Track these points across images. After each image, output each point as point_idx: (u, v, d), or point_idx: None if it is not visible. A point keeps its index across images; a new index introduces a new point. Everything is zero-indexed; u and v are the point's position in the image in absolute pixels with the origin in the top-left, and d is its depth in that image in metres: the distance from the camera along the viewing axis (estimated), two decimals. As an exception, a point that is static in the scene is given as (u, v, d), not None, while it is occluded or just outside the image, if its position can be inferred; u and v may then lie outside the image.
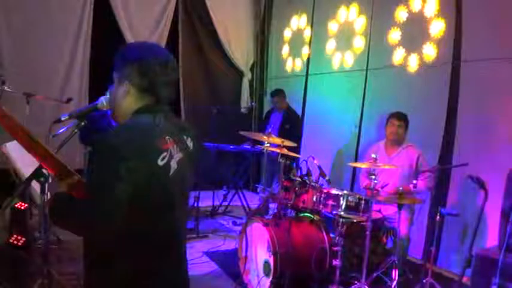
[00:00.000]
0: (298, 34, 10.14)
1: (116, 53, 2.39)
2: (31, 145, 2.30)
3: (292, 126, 8.53)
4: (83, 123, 2.89)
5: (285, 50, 10.68)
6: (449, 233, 6.29)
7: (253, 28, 11.44)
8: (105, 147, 2.10)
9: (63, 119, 2.84)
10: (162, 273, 2.29)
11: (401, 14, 7.28)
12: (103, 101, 2.63)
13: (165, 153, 2.21)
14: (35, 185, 4.22)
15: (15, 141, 4.59)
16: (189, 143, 2.48)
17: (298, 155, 6.59)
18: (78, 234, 2.19)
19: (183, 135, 2.44)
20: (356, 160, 7.97)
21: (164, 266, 2.30)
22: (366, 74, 8.06)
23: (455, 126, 6.42)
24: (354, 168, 8.10)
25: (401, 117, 6.10)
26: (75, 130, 2.92)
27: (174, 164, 2.27)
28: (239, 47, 11.10)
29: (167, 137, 2.26)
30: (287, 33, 10.61)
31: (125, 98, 2.35)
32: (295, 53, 10.25)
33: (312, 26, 9.64)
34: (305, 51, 9.85)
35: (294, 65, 10.27)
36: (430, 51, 6.77)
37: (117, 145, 2.08)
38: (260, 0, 11.36)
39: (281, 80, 10.54)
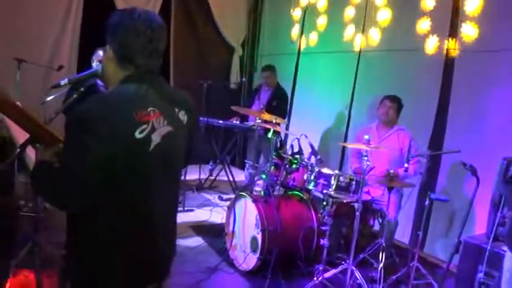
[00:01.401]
0: (290, 13, 10.03)
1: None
2: (20, 118, 2.27)
3: (279, 103, 8.46)
4: (82, 89, 2.84)
5: (280, 27, 10.58)
6: (436, 219, 6.31)
7: (246, 4, 11.33)
8: (74, 118, 2.05)
9: (62, 83, 2.78)
10: (131, 248, 2.22)
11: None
12: (99, 67, 2.56)
13: (144, 126, 2.13)
14: (30, 152, 4.16)
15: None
16: (182, 116, 2.37)
17: (287, 131, 6.53)
18: (52, 203, 2.18)
19: (174, 107, 2.34)
20: (345, 141, 7.96)
21: (137, 241, 2.23)
22: (359, 55, 8.01)
23: (447, 112, 6.42)
24: (343, 149, 8.09)
25: (394, 99, 6.10)
26: (75, 96, 2.86)
27: (156, 138, 2.18)
28: (231, 22, 11.01)
29: (150, 109, 2.17)
30: (282, 10, 10.48)
31: (108, 65, 2.29)
32: (287, 31, 10.14)
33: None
34: (296, 30, 9.78)
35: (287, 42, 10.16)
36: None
37: (86, 117, 2.03)
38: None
39: (273, 57, 10.41)
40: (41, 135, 2.31)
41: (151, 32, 2.20)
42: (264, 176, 5.63)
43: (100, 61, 2.59)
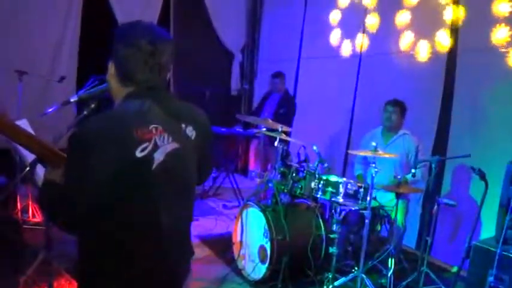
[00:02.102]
0: (292, 17, 9.99)
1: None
2: (24, 140, 2.24)
3: (287, 110, 8.46)
4: (92, 106, 2.82)
5: (280, 32, 10.54)
6: (441, 223, 6.28)
7: (245, 9, 11.29)
8: (74, 138, 2.02)
9: (72, 100, 2.76)
10: (141, 267, 2.16)
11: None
12: None
13: (145, 144, 2.07)
14: (39, 169, 4.16)
15: (21, 121, 4.52)
16: (190, 131, 2.29)
17: (293, 140, 6.51)
18: (54, 223, 2.16)
19: (181, 123, 2.27)
20: (348, 147, 7.95)
21: (145, 260, 2.18)
22: (360, 60, 8.00)
23: (450, 116, 6.40)
24: (346, 155, 8.08)
25: (395, 104, 6.07)
26: (85, 112, 2.84)
27: (159, 156, 2.12)
28: (230, 28, 10.97)
29: (152, 126, 2.11)
30: (282, 15, 10.47)
31: (112, 82, 2.26)
32: (290, 36, 10.10)
33: (305, 8, 9.52)
34: (297, 35, 9.73)
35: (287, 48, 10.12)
36: (442, 39, 6.65)
37: (85, 137, 2.01)
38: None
39: (273, 63, 10.38)
40: (46, 156, 2.26)
41: (151, 47, 2.15)
42: (271, 185, 5.61)
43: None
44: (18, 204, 6.38)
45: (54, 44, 8.66)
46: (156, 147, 2.10)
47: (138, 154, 2.04)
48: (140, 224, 2.12)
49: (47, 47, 8.58)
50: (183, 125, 2.28)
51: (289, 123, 7.88)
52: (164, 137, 2.14)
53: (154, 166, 2.10)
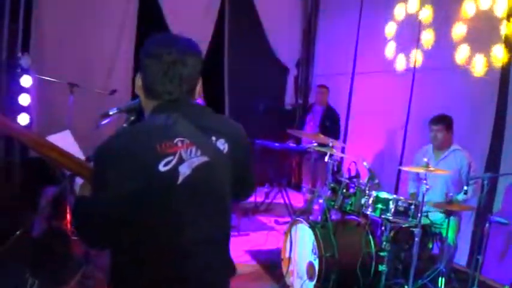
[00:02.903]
0: (347, 31, 9.93)
1: None
2: (56, 156, 2.24)
3: (332, 123, 8.44)
4: (132, 118, 2.82)
5: (335, 46, 10.49)
6: (493, 241, 6.12)
7: (300, 24, 11.29)
8: (98, 152, 2.03)
9: (111, 113, 2.73)
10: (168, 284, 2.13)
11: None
12: None
13: (170, 158, 2.02)
14: (79, 181, 4.20)
15: (58, 134, 4.56)
16: (222, 144, 2.22)
17: (342, 155, 6.46)
18: (80, 239, 2.16)
19: (211, 136, 2.21)
20: (401, 163, 7.84)
21: (172, 277, 2.12)
22: (413, 74, 7.88)
23: (504, 132, 6.26)
24: (398, 172, 7.95)
25: (438, 122, 5.92)
26: (125, 125, 2.84)
27: (185, 170, 2.06)
28: (285, 43, 10.98)
29: (178, 139, 2.06)
30: (336, 29, 10.43)
31: (140, 94, 2.26)
32: (344, 50, 10.03)
33: (359, 23, 9.44)
34: (352, 49, 9.65)
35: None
36: (497, 54, 6.49)
37: (105, 151, 2.02)
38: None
39: (327, 77, 10.33)
40: (78, 172, 2.26)
41: (172, 57, 2.12)
42: (321, 201, 5.56)
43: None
44: (68, 215, 6.44)
45: (109, 58, 8.82)
46: (181, 160, 2.05)
47: (162, 168, 2.00)
48: (163, 238, 2.08)
49: (101, 61, 8.74)
50: (214, 138, 2.21)
51: (336, 136, 7.84)
52: (192, 150, 2.10)
53: (180, 180, 2.05)
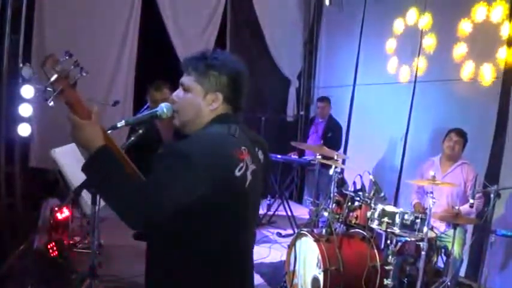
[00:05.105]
0: (348, 45, 9.92)
1: (194, 60, 2.33)
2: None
3: (334, 134, 8.44)
4: (140, 131, 2.78)
5: (336, 58, 10.48)
6: (494, 253, 6.09)
7: (302, 36, 11.28)
8: (177, 153, 2.05)
9: (119, 125, 2.71)
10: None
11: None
12: (163, 108, 2.46)
13: (241, 164, 2.16)
14: (86, 195, 4.17)
15: (64, 148, 4.54)
16: (261, 155, 2.40)
17: (343, 166, 6.44)
18: (116, 211, 2.04)
19: (255, 146, 2.37)
20: (400, 175, 7.81)
21: (233, 278, 2.26)
22: (414, 86, 7.87)
23: (504, 144, 6.25)
24: (398, 184, 7.92)
25: (460, 134, 5.98)
26: (133, 138, 2.80)
27: (249, 176, 2.20)
28: (287, 54, 10.92)
29: (243, 147, 2.20)
30: (338, 42, 10.42)
31: (209, 109, 2.30)
32: (345, 62, 10.02)
33: (360, 36, 9.42)
34: (353, 62, 9.63)
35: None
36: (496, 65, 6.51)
37: (189, 153, 2.04)
38: (309, 7, 11.19)
39: (329, 89, 10.33)
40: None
41: (248, 75, 2.41)
42: (326, 214, 5.53)
43: (164, 100, 2.51)
44: (69, 227, 6.42)
45: (111, 68, 8.76)
46: (247, 167, 2.20)
47: (237, 173, 2.15)
48: (223, 243, 2.19)
49: (103, 72, 8.68)
50: (257, 148, 2.39)
51: (338, 147, 7.82)
52: (249, 158, 2.24)
53: (247, 184, 2.21)
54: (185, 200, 2.01)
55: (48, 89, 2.23)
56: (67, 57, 2.31)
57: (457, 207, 5.28)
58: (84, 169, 2.13)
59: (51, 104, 2.31)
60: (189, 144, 2.12)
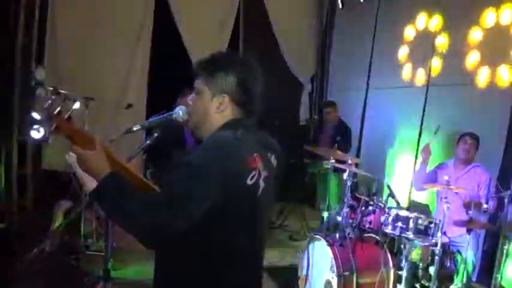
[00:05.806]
0: (361, 49, 9.88)
1: (203, 62, 2.31)
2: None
3: (343, 137, 8.39)
4: (155, 135, 2.76)
5: (349, 62, 10.45)
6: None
7: (315, 39, 11.27)
8: (189, 165, 2.03)
9: (135, 129, 2.70)
10: None
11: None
12: (179, 112, 2.46)
13: (254, 172, 2.12)
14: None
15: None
16: (273, 160, 2.35)
17: (357, 170, 6.39)
18: (127, 227, 2.01)
19: (267, 152, 2.32)
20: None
21: (242, 282, 2.24)
22: (427, 90, 7.82)
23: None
24: (410, 187, 7.88)
25: (474, 137, 5.98)
26: (148, 142, 2.78)
27: (262, 183, 2.17)
28: (300, 58, 10.93)
29: (256, 154, 2.17)
30: (349, 46, 10.39)
31: (217, 112, 2.26)
32: (358, 66, 9.97)
33: (373, 40, 9.38)
34: (366, 65, 9.58)
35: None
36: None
37: (200, 164, 2.01)
38: (322, 11, 11.20)
39: (342, 93, 10.31)
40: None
41: (261, 77, 2.35)
42: (339, 218, 5.50)
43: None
44: (82, 230, 6.43)
45: (124, 71, 8.74)
46: (260, 174, 2.18)
47: (249, 182, 2.12)
48: (238, 249, 2.19)
49: (116, 75, 8.66)
50: (269, 154, 2.35)
51: (347, 150, 7.80)
52: (262, 165, 2.21)
53: (259, 193, 2.18)
54: (197, 213, 1.98)
55: (44, 128, 2.20)
56: (53, 97, 2.29)
57: (470, 212, 5.25)
58: (92, 199, 2.13)
59: (50, 142, 2.29)
60: (201, 154, 2.09)
